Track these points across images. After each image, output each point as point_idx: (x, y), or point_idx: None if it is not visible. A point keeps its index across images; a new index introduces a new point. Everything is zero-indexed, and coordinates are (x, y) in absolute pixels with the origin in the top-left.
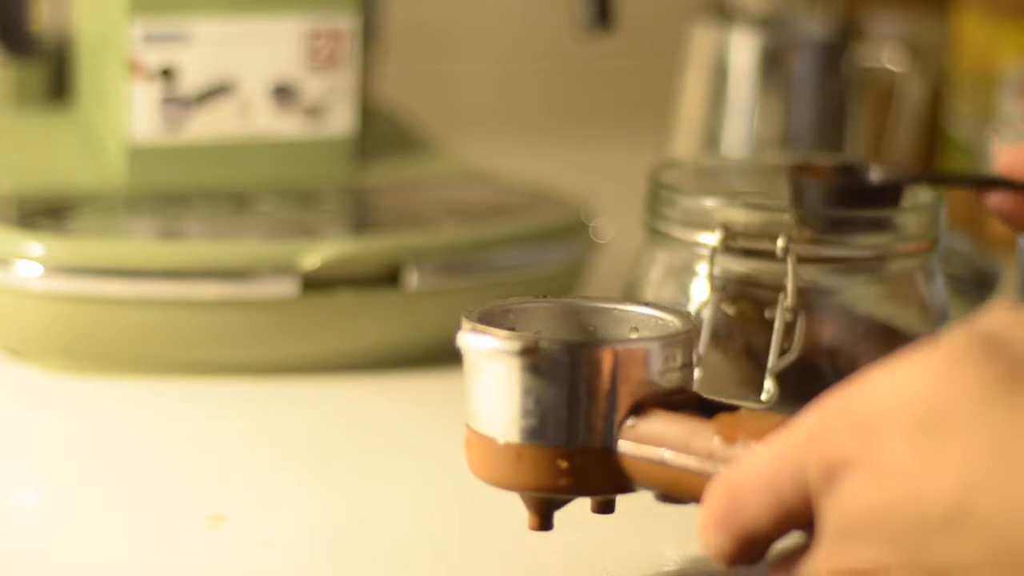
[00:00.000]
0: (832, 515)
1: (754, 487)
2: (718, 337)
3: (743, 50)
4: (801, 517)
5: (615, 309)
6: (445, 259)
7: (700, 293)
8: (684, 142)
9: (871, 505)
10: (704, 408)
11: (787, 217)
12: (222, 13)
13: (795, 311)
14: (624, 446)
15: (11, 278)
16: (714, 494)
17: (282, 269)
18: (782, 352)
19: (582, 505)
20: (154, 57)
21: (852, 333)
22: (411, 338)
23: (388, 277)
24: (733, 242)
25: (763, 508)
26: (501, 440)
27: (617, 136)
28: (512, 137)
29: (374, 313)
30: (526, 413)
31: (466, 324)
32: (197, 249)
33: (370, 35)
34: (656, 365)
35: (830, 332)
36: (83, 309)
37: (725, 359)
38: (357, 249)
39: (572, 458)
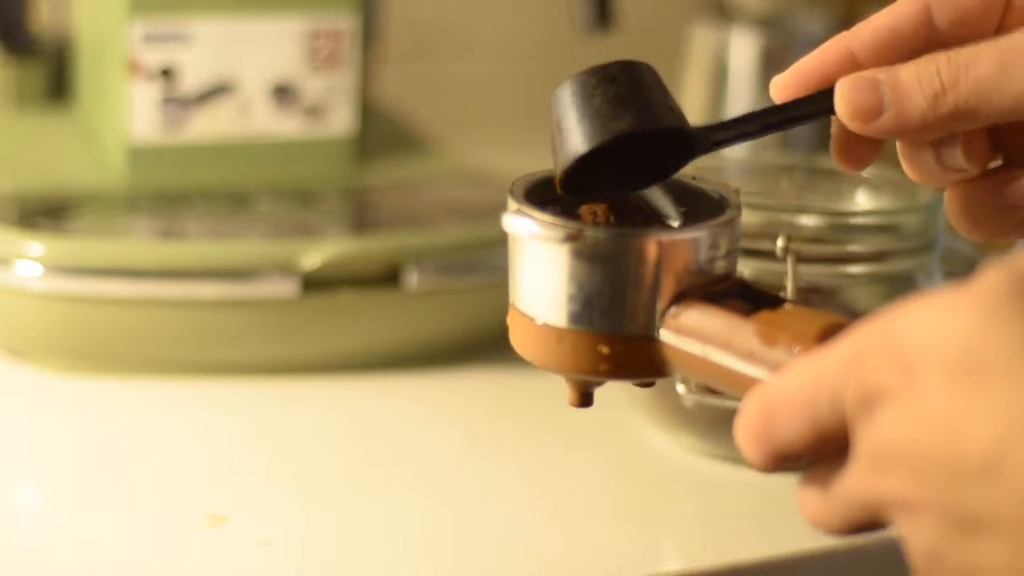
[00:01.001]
0: (867, 442)
1: (791, 407)
2: None
3: (743, 50)
4: (836, 438)
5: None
6: (445, 259)
7: None
8: None
9: (906, 440)
10: (747, 296)
11: (787, 217)
12: (222, 13)
13: None
14: (665, 336)
15: (11, 278)
16: (751, 407)
17: (282, 269)
18: None
19: (581, 507)
20: (154, 57)
21: None
22: (411, 338)
23: (388, 277)
24: None
25: (798, 427)
26: (541, 321)
27: None
28: (512, 137)
29: (374, 313)
30: (569, 298)
31: (512, 204)
32: (197, 249)
33: (370, 35)
34: (702, 254)
35: None
36: (83, 309)
37: None
38: (357, 249)
39: (613, 344)
